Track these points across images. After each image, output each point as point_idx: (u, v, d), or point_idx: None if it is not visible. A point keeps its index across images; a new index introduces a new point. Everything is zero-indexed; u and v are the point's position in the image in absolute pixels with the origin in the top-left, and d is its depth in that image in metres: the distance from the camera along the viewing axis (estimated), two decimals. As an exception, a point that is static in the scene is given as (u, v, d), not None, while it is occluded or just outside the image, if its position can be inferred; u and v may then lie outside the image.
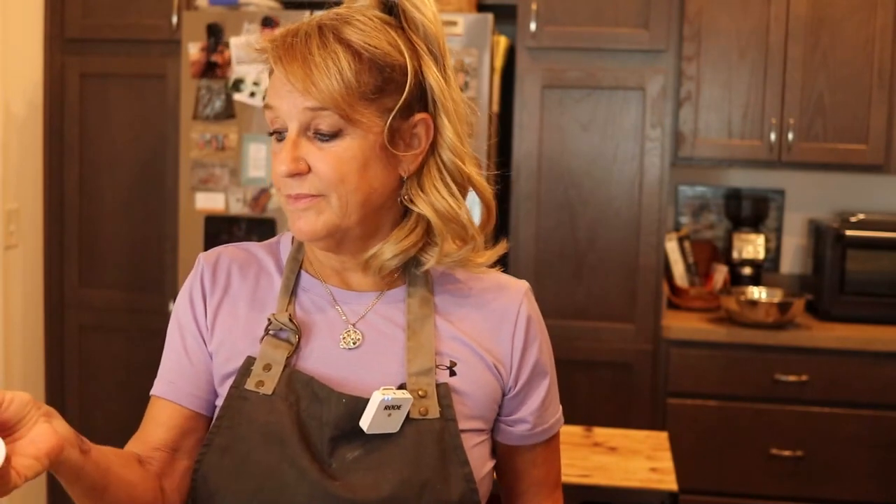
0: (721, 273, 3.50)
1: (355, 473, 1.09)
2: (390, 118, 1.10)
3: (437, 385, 1.13)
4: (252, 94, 3.00)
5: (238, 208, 3.04)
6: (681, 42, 3.19)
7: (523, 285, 1.25)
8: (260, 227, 3.03)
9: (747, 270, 3.52)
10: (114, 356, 3.40)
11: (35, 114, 3.33)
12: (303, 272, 1.22)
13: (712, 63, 3.23)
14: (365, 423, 1.08)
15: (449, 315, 1.19)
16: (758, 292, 3.36)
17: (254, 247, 1.26)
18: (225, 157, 3.05)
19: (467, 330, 1.19)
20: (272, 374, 1.13)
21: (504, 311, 1.21)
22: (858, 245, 3.26)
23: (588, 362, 3.16)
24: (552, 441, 1.27)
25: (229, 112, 3.03)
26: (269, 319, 1.16)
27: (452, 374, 1.15)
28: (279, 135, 1.12)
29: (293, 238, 1.25)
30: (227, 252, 1.24)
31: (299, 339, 1.16)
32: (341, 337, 1.17)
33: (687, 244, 3.53)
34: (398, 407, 1.09)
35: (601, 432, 2.42)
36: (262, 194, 3.03)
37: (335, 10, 1.15)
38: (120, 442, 1.18)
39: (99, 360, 3.42)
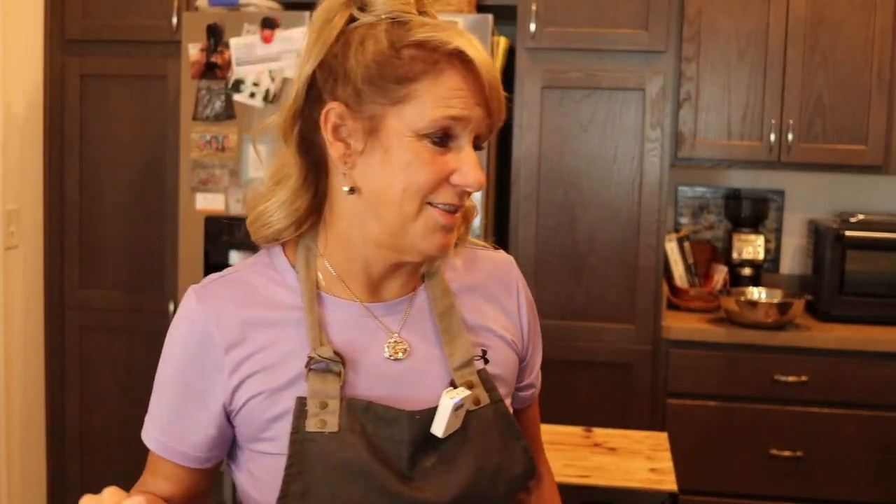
0: (721, 273, 3.50)
1: (437, 478, 1.10)
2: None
3: (478, 371, 1.17)
4: (252, 95, 3.00)
5: (238, 209, 3.04)
6: (680, 43, 3.19)
7: (509, 257, 1.30)
8: (260, 228, 3.03)
9: (747, 271, 3.52)
10: (114, 356, 3.40)
11: (35, 114, 3.33)
12: (323, 295, 1.15)
13: (712, 64, 3.23)
14: (439, 429, 1.09)
15: (466, 305, 1.21)
16: (757, 293, 3.36)
17: (246, 274, 1.17)
18: (225, 157, 3.05)
19: (485, 314, 1.22)
20: (331, 410, 1.08)
21: (506, 287, 1.26)
22: (858, 246, 3.27)
23: (588, 363, 3.16)
24: (536, 401, 1.36)
25: (229, 113, 3.03)
26: (309, 357, 1.10)
27: (486, 361, 1.18)
28: (442, 142, 1.07)
29: (285, 252, 1.19)
30: (224, 293, 1.14)
31: (345, 366, 1.11)
32: (388, 350, 1.15)
33: (687, 245, 3.53)
34: (462, 405, 1.12)
35: (601, 433, 2.42)
36: (262, 195, 3.03)
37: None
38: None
39: (99, 361, 3.42)
